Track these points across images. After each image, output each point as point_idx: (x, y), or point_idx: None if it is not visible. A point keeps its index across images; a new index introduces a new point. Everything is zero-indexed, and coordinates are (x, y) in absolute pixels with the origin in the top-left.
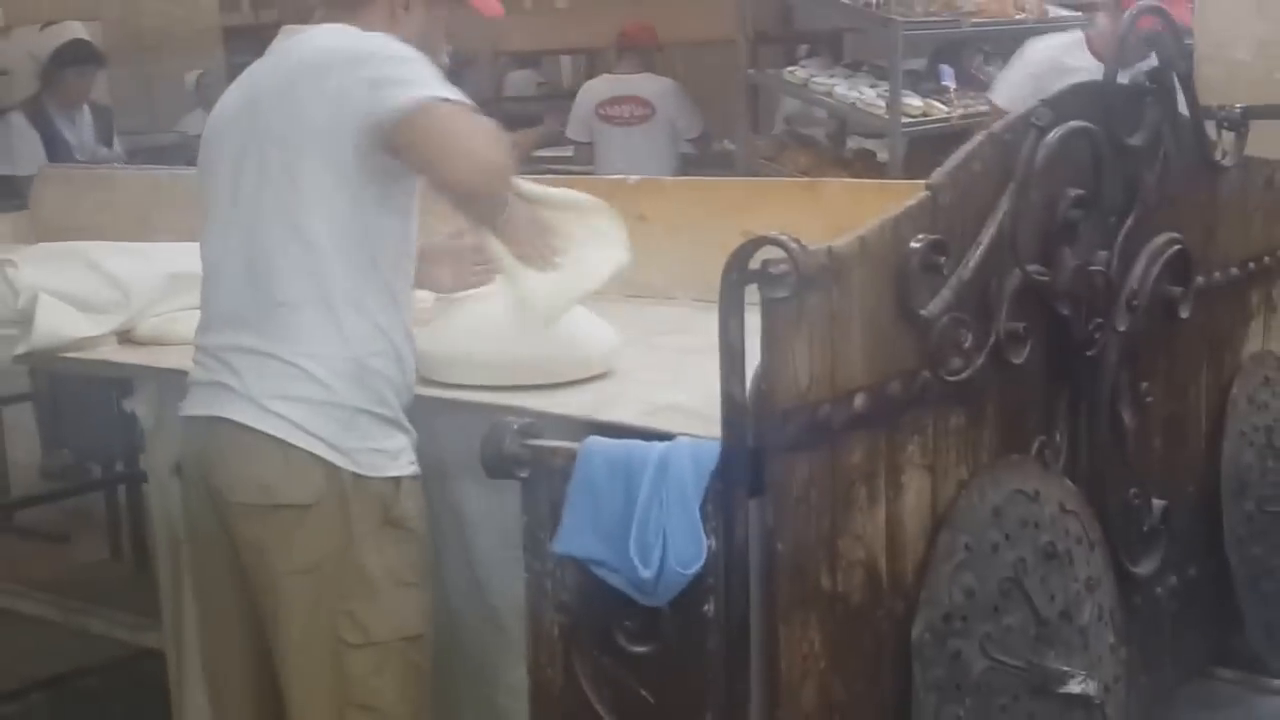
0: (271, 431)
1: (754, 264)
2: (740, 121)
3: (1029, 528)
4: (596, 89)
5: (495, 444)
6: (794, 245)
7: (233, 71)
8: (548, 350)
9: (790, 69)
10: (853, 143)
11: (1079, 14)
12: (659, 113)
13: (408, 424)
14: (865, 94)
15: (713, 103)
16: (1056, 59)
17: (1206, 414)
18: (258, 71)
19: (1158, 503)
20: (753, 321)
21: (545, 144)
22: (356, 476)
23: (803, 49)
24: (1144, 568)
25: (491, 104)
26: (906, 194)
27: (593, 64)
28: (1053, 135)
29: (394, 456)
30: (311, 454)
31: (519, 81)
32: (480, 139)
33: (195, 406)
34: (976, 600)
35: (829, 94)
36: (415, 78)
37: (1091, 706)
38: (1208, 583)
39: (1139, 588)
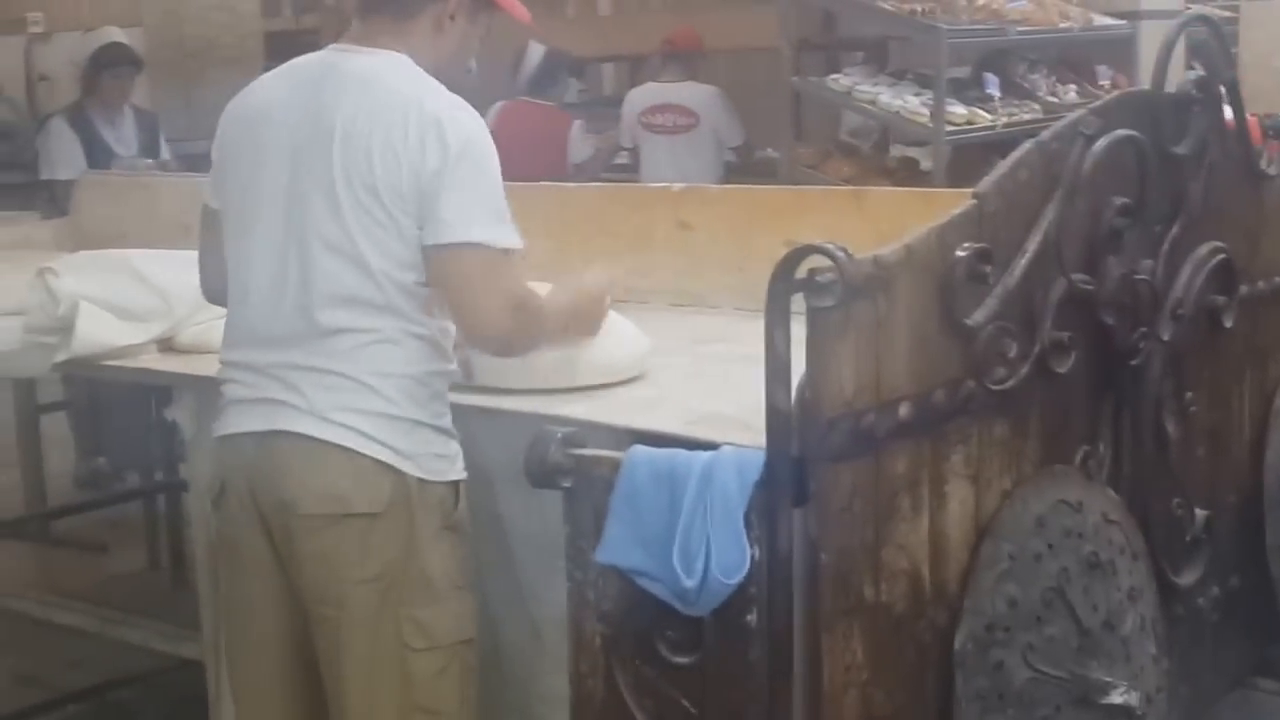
0: (340, 442)
1: (800, 273)
2: (783, 129)
3: (1072, 538)
4: (640, 96)
5: (539, 453)
6: (840, 254)
7: None
8: (582, 353)
9: (834, 77)
10: (896, 151)
11: (1123, 22)
12: (703, 121)
13: (455, 431)
14: (909, 102)
15: (755, 111)
16: None
17: (1249, 423)
18: (308, 91)
19: (1200, 512)
20: (797, 330)
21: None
22: (421, 482)
23: (859, 55)
24: (1186, 578)
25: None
26: (952, 203)
27: (635, 71)
28: (1099, 144)
29: (451, 462)
30: (379, 462)
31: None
32: (498, 300)
33: (247, 423)
34: (1019, 610)
35: (872, 102)
36: (470, 209)
37: (1133, 717)
38: (1249, 593)
39: (1181, 598)
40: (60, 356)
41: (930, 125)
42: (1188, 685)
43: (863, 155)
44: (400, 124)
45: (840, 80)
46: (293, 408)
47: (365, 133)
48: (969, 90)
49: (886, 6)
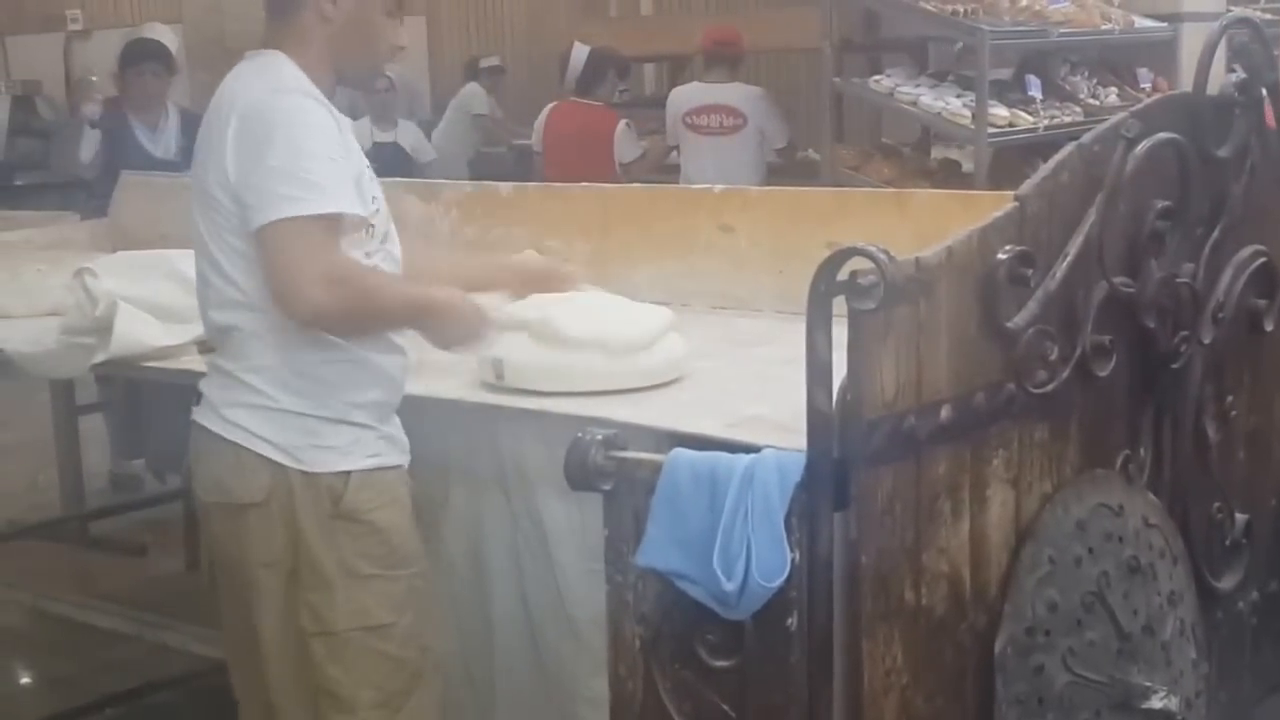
0: (224, 435)
1: (842, 275)
2: (825, 130)
3: (1112, 542)
4: (684, 96)
5: (580, 456)
6: (883, 256)
7: None
8: (616, 358)
9: (875, 78)
10: (937, 152)
11: (1164, 24)
12: (750, 122)
13: (373, 420)
14: (951, 104)
15: (796, 111)
16: None
17: None
18: (212, 103)
19: (1240, 517)
20: (838, 333)
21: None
22: (303, 474)
23: (901, 56)
24: (1226, 582)
25: None
26: (993, 205)
27: (676, 71)
28: (1141, 146)
29: (344, 453)
30: (258, 455)
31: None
32: (306, 272)
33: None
34: (1059, 614)
35: (914, 103)
36: (268, 187)
37: None
38: None
39: (1220, 602)
40: (99, 357)
41: (972, 127)
42: (1226, 690)
43: (904, 157)
44: (222, 122)
45: (882, 81)
46: (205, 401)
47: (208, 137)
48: (1011, 92)
49: (929, 7)
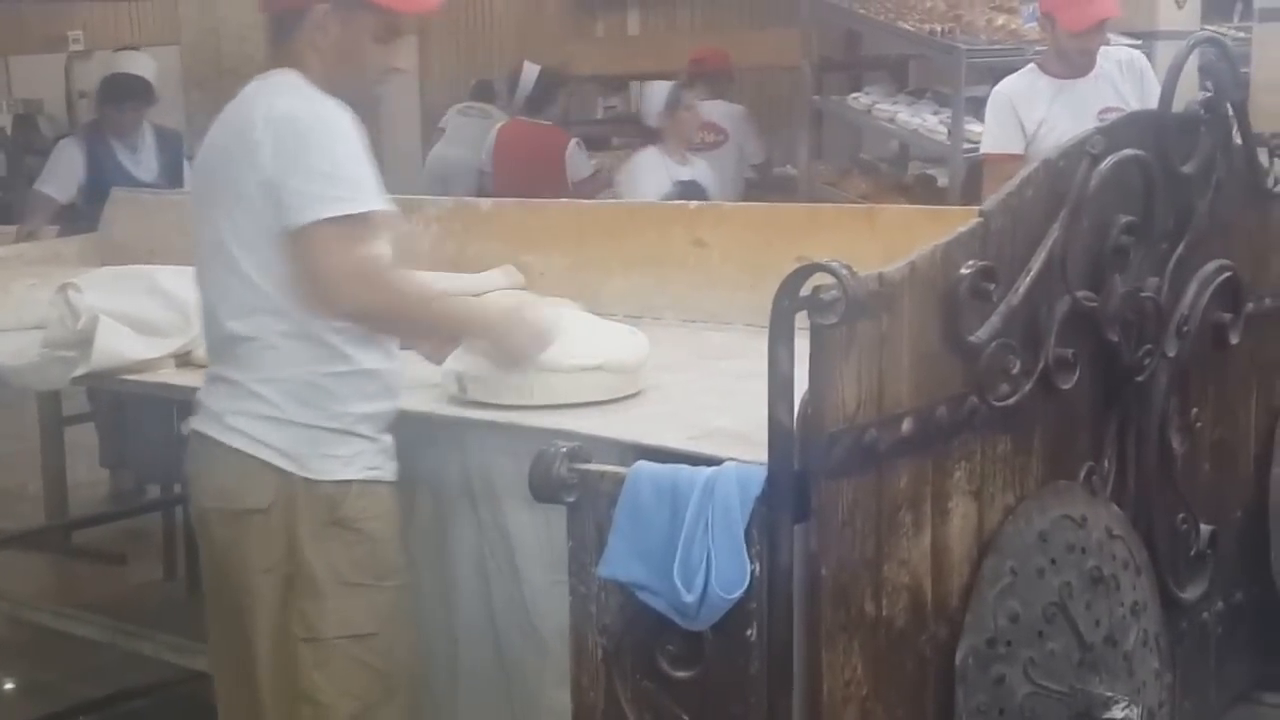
0: (229, 442)
1: (805, 290)
2: (803, 147)
3: (1075, 553)
4: None
5: (544, 468)
6: (844, 272)
7: None
8: (570, 374)
9: (854, 95)
10: (914, 168)
11: (1139, 42)
12: (731, 138)
13: (374, 432)
14: (927, 120)
15: (776, 128)
16: (1022, 89)
17: (1255, 438)
18: (225, 116)
19: (1205, 528)
20: (802, 346)
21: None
22: (306, 480)
23: (879, 74)
24: (1190, 593)
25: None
26: (961, 220)
27: None
28: (1106, 163)
29: (346, 462)
30: (263, 461)
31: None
32: (339, 268)
33: (191, 423)
34: (1021, 625)
35: (891, 120)
36: (305, 189)
37: None
38: (1254, 608)
39: (1185, 613)
40: (79, 370)
41: (948, 143)
42: (1191, 699)
43: (881, 173)
44: (247, 130)
45: (860, 99)
46: (206, 410)
47: (229, 146)
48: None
49: (907, 27)
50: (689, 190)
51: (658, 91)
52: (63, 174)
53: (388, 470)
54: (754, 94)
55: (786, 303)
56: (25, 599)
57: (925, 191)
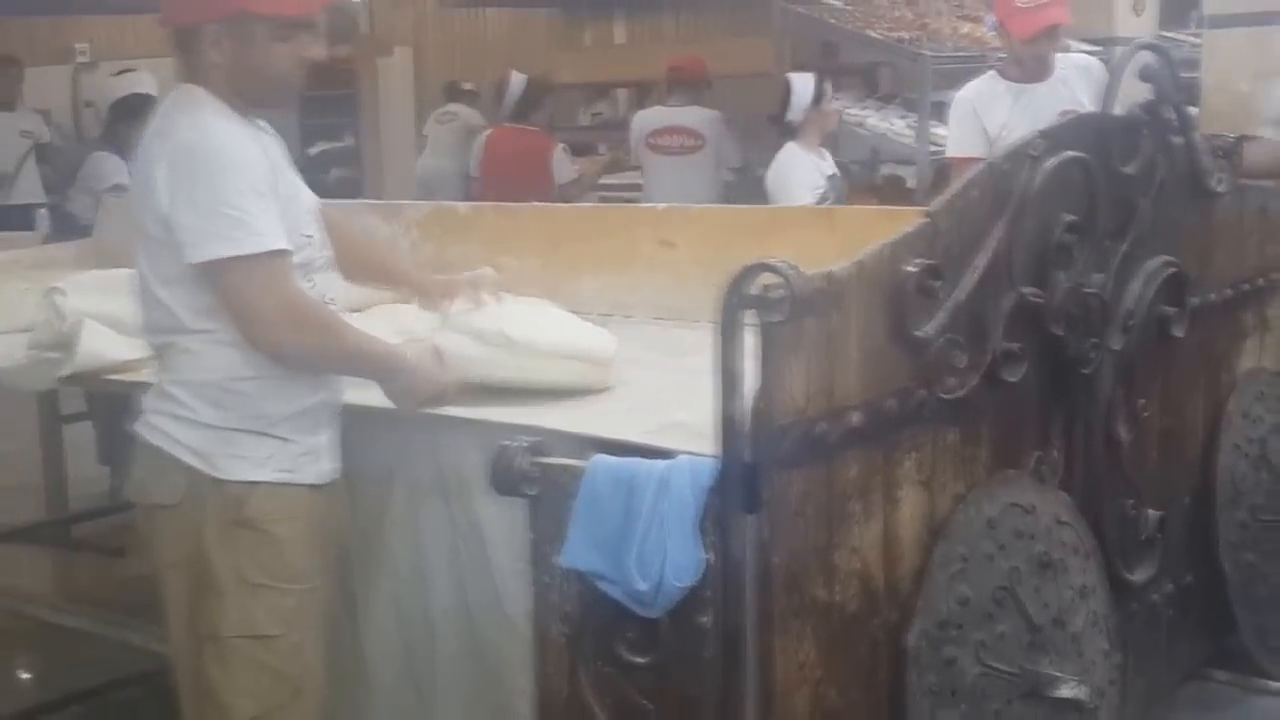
0: (149, 440)
1: (755, 289)
2: (776, 150)
3: (1023, 539)
4: (646, 119)
5: (505, 462)
6: (790, 271)
7: (306, 105)
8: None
9: None
10: (885, 170)
11: (1099, 49)
12: (708, 144)
13: (295, 434)
14: (895, 124)
15: (755, 132)
16: (983, 94)
17: (1202, 427)
18: (143, 139)
19: (1153, 513)
20: (756, 343)
21: (609, 170)
22: (214, 480)
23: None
24: (1140, 575)
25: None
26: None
27: (643, 96)
28: (1048, 164)
29: (258, 464)
30: (175, 459)
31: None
32: (265, 307)
33: None
34: (971, 608)
35: (861, 124)
36: (199, 226)
37: (1084, 710)
38: (1203, 589)
39: (1135, 595)
40: (64, 371)
41: (915, 146)
42: (1144, 677)
43: (852, 174)
44: (148, 163)
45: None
46: (140, 409)
47: (138, 175)
48: None
49: (875, 35)
50: (833, 184)
51: (803, 86)
52: (110, 175)
53: (307, 473)
54: (731, 100)
55: (734, 301)
56: (26, 591)
57: (894, 192)
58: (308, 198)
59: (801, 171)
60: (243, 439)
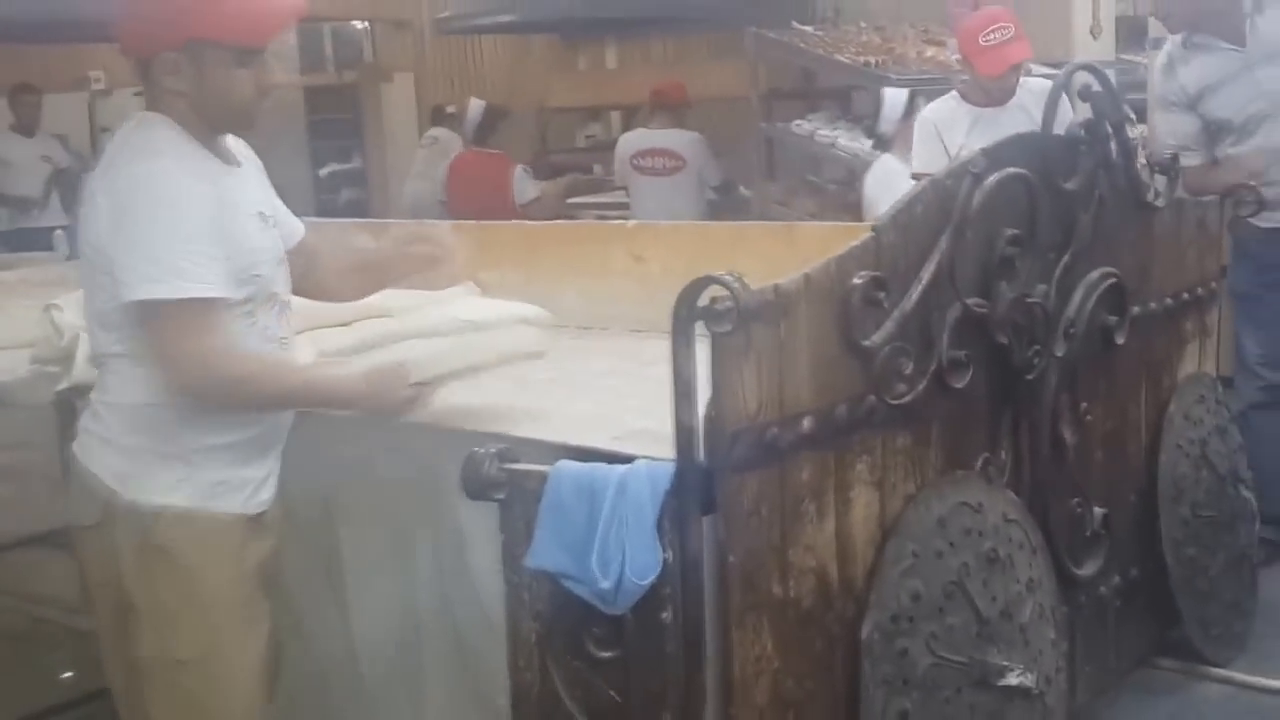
0: (79, 459)
1: (705, 301)
2: (754, 171)
3: (972, 536)
4: (631, 141)
5: (475, 468)
6: (735, 284)
7: (313, 129)
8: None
9: (797, 122)
10: (858, 188)
11: (1058, 71)
12: (689, 164)
13: (214, 463)
14: (864, 145)
15: (736, 153)
16: (945, 115)
17: (1146, 429)
18: (99, 164)
19: (1099, 510)
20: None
21: (575, 192)
22: (128, 503)
23: (826, 103)
24: (1087, 569)
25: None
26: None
27: (630, 118)
28: (989, 180)
29: (168, 489)
30: (99, 479)
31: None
32: (180, 356)
33: None
34: (922, 602)
35: (833, 144)
36: (136, 265)
37: (1031, 697)
38: (1148, 582)
39: (1083, 588)
40: (63, 384)
41: None
42: (1092, 665)
43: (827, 192)
44: (94, 194)
45: (803, 125)
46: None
47: (86, 203)
48: None
49: (844, 59)
50: None
51: (896, 99)
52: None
53: (227, 502)
54: (712, 122)
55: (684, 312)
56: (48, 595)
57: None
58: (266, 238)
59: (899, 180)
60: (155, 463)
